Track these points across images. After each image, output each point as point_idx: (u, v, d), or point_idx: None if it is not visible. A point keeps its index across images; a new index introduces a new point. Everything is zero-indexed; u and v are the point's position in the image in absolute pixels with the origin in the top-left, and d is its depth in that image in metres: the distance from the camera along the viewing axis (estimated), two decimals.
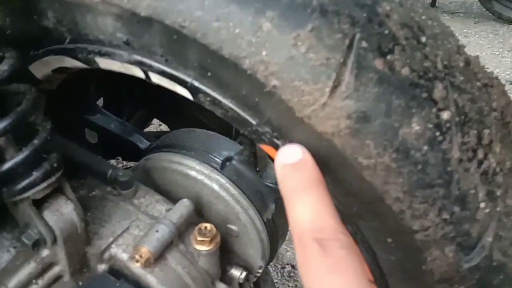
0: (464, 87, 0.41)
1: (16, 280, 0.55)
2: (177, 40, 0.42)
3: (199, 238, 0.64)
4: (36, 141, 0.47)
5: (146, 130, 1.09)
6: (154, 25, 0.43)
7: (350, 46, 0.37)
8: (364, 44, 0.38)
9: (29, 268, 0.57)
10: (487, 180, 0.40)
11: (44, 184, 0.49)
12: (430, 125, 0.38)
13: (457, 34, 0.45)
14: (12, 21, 0.55)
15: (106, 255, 0.62)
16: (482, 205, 0.40)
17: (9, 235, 0.56)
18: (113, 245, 0.62)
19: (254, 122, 0.46)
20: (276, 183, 0.73)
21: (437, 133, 0.39)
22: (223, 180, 0.70)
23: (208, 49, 0.40)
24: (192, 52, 0.42)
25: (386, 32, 0.38)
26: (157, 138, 0.82)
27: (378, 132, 0.38)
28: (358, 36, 0.37)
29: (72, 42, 0.53)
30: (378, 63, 0.38)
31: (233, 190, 0.70)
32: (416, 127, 0.38)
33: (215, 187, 0.70)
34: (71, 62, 0.57)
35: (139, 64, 0.50)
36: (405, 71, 0.39)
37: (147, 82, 1.00)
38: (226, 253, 0.73)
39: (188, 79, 0.47)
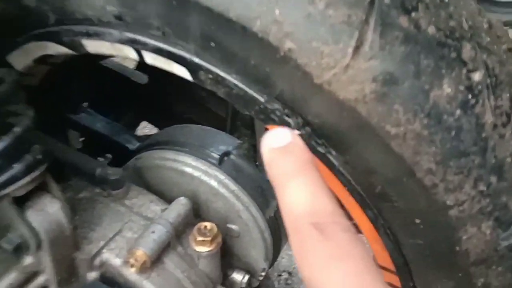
0: (492, 48, 0.38)
1: None
2: (177, 6, 0.38)
3: (199, 239, 0.59)
4: (17, 129, 0.42)
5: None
6: None
7: (372, 2, 0.34)
8: (386, 0, 0.34)
9: (9, 279, 0.50)
10: None
11: (27, 179, 0.43)
12: (462, 87, 0.35)
13: None
14: None
15: (97, 261, 0.56)
16: None
17: None
18: (104, 250, 0.56)
19: (262, 99, 0.41)
20: None
21: (469, 96, 0.35)
22: (221, 176, 0.66)
23: (213, 12, 0.36)
24: (194, 19, 0.38)
25: None
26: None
27: (408, 96, 0.34)
28: None
29: (57, 23, 0.49)
30: (403, 21, 0.34)
31: (233, 186, 0.66)
32: (447, 89, 0.35)
33: (214, 183, 0.65)
34: (55, 48, 0.52)
35: (132, 42, 0.45)
36: (431, 29, 0.35)
37: (134, 82, 0.95)
38: (226, 256, 0.68)
39: (188, 55, 0.43)
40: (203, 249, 0.59)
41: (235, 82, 0.42)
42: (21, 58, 0.55)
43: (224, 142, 0.69)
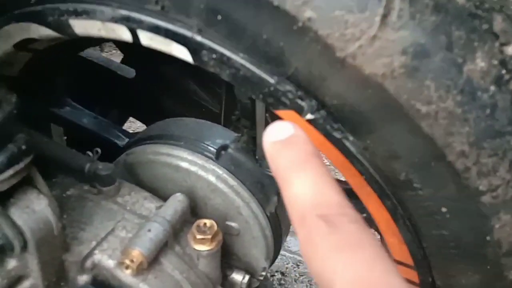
0: None
1: None
2: None
3: (199, 237, 0.55)
4: None
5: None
6: None
7: None
8: None
9: None
10: None
11: (10, 172, 0.39)
12: (495, 62, 0.32)
13: None
14: None
15: (89, 263, 0.51)
16: None
17: None
18: (96, 251, 0.52)
19: (272, 81, 0.38)
20: None
21: (503, 71, 0.32)
22: (219, 171, 0.62)
23: None
24: None
25: None
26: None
27: (440, 70, 0.31)
28: None
29: (40, 1, 0.44)
30: None
31: (232, 181, 0.62)
32: (480, 63, 0.32)
33: (211, 179, 0.61)
34: (38, 31, 0.47)
35: (126, 20, 0.41)
36: None
37: (120, 76, 0.90)
38: (225, 255, 0.64)
39: (189, 33, 0.39)
40: (203, 248, 0.55)
41: (242, 62, 0.38)
42: (0, 43, 0.50)
43: (221, 135, 0.66)
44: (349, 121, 0.37)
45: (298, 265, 1.39)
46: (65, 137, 0.80)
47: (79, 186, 0.57)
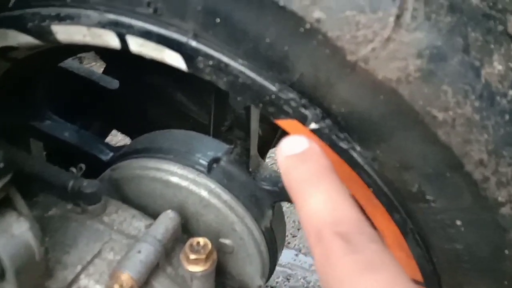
0: None
1: None
2: None
3: (192, 257, 0.51)
4: None
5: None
6: None
7: None
8: None
9: None
10: None
11: None
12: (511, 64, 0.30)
13: None
14: None
15: None
16: None
17: None
18: (82, 276, 0.48)
19: (274, 88, 0.35)
20: (273, 185, 0.63)
21: None
22: (212, 185, 0.59)
23: None
24: None
25: None
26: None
27: (457, 74, 0.29)
28: None
29: (19, 5, 0.41)
30: None
31: (225, 196, 0.59)
32: (498, 66, 0.30)
33: (203, 194, 0.58)
34: (17, 38, 0.44)
35: (114, 25, 0.38)
36: None
37: (103, 87, 0.87)
38: (218, 274, 0.61)
39: (184, 38, 0.36)
40: (197, 268, 0.51)
41: (242, 68, 0.36)
42: None
43: (212, 147, 0.63)
44: (357, 130, 0.34)
45: (288, 279, 1.36)
46: (45, 153, 0.75)
47: (62, 205, 0.54)
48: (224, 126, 0.77)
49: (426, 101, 0.29)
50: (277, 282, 1.34)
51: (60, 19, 0.40)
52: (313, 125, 0.36)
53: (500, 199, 0.32)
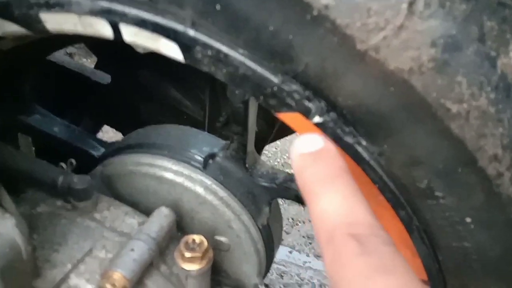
0: None
1: None
2: None
3: (188, 255, 0.50)
4: None
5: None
6: None
7: None
8: None
9: None
10: None
11: None
12: None
13: None
14: None
15: None
16: None
17: None
18: (72, 275, 0.46)
19: (276, 80, 0.34)
20: (270, 182, 0.62)
21: None
22: (208, 182, 0.57)
23: None
24: None
25: None
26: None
27: (473, 64, 0.27)
28: None
29: None
30: None
31: (222, 192, 0.57)
32: None
33: (199, 190, 0.57)
34: (3, 27, 0.41)
35: (107, 13, 0.36)
36: None
37: (95, 82, 0.85)
38: (214, 273, 0.59)
39: (181, 27, 0.34)
40: (193, 267, 0.50)
41: (242, 59, 0.34)
42: None
43: (208, 142, 0.61)
44: (364, 124, 0.33)
45: (282, 276, 1.35)
46: (35, 148, 0.73)
47: (51, 202, 0.52)
48: (219, 122, 0.76)
49: (439, 92, 0.28)
50: (270, 279, 1.33)
51: (49, 6, 0.38)
52: (317, 119, 0.34)
53: None
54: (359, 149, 0.35)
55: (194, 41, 0.35)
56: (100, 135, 1.04)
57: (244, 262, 0.60)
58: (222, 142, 0.61)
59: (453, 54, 0.27)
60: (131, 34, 0.37)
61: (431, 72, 0.27)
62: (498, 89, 0.28)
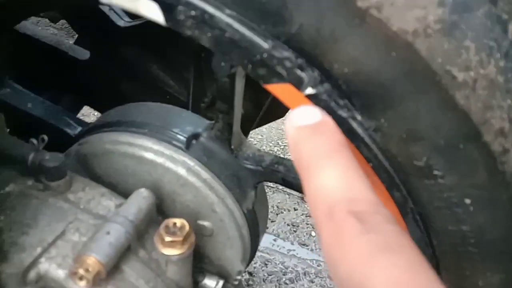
0: None
1: None
2: None
3: (168, 239, 0.47)
4: None
5: None
6: None
7: None
8: None
9: None
10: None
11: None
12: None
13: None
14: None
15: (32, 275, 0.42)
16: None
17: None
18: (42, 259, 0.43)
19: (266, 45, 0.31)
20: (256, 165, 0.59)
21: None
22: (190, 163, 0.54)
23: None
24: None
25: None
26: None
27: (483, 28, 0.25)
28: None
29: None
30: None
31: (205, 174, 0.54)
32: None
33: (181, 171, 0.54)
34: None
35: None
36: None
37: (72, 58, 0.80)
38: (196, 259, 0.56)
39: None
40: (173, 252, 0.47)
41: (229, 20, 0.31)
42: None
43: (191, 122, 0.58)
44: (361, 95, 0.30)
45: (266, 264, 1.33)
46: (7, 127, 0.69)
47: (21, 181, 0.48)
48: (204, 103, 0.72)
49: (445, 58, 0.25)
50: (254, 268, 1.31)
51: None
52: (309, 90, 0.32)
53: None
54: (353, 124, 0.32)
55: (176, 0, 0.31)
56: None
57: (228, 248, 0.57)
58: (207, 122, 0.58)
59: (463, 16, 0.25)
60: None
61: (438, 35, 0.25)
62: (508, 57, 0.26)
